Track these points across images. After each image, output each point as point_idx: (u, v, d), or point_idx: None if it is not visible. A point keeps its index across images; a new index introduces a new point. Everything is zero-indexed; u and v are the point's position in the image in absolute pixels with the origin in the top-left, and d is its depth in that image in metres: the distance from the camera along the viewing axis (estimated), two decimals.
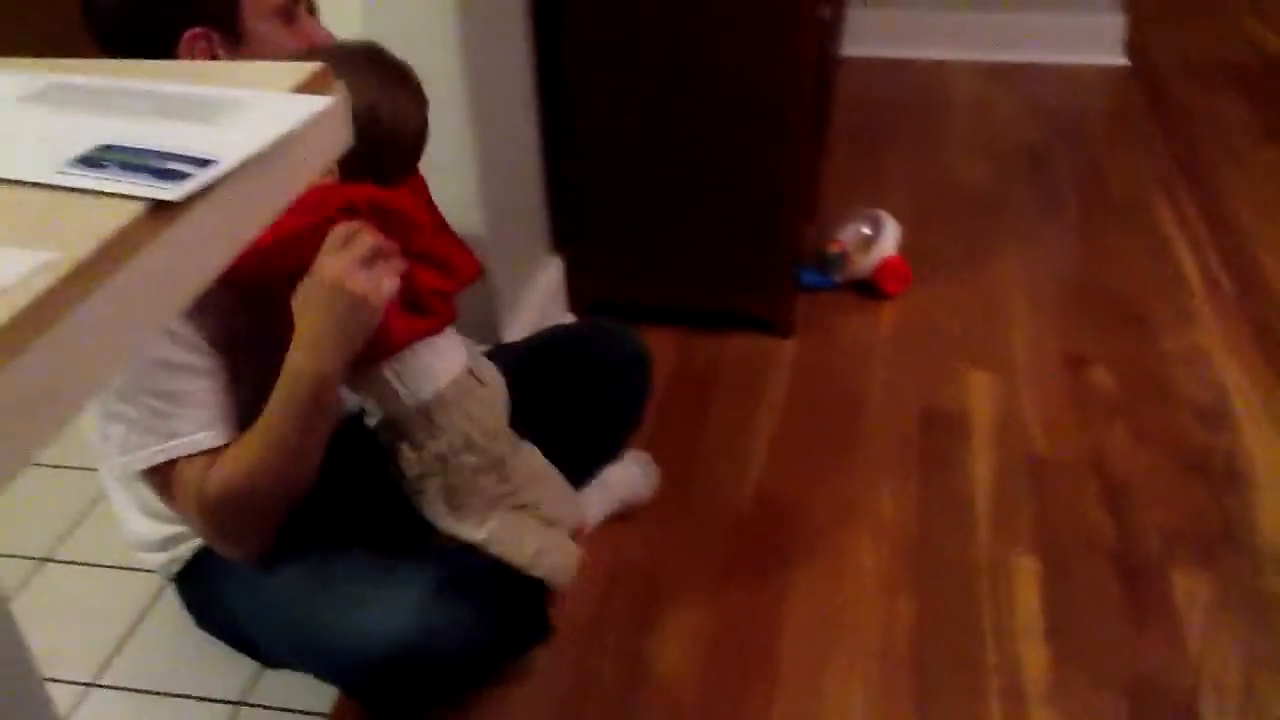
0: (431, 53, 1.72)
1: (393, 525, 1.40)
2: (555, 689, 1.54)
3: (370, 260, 1.20)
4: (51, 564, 1.78)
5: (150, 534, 1.49)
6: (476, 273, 1.40)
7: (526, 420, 1.60)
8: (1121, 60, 3.49)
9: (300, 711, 1.51)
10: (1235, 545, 1.72)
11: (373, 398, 1.33)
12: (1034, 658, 1.55)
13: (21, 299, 0.46)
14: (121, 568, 1.72)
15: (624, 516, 1.79)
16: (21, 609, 1.64)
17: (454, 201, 1.84)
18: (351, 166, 1.19)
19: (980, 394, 2.07)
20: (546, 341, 1.78)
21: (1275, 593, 1.64)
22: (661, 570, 1.72)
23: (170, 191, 0.53)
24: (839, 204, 2.59)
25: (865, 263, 2.36)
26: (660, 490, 1.82)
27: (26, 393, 0.45)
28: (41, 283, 0.47)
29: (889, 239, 2.37)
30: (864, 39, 3.50)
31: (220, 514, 1.31)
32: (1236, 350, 2.17)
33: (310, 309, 1.22)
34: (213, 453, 1.29)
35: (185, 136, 0.59)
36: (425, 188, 1.41)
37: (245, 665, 1.56)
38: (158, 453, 1.28)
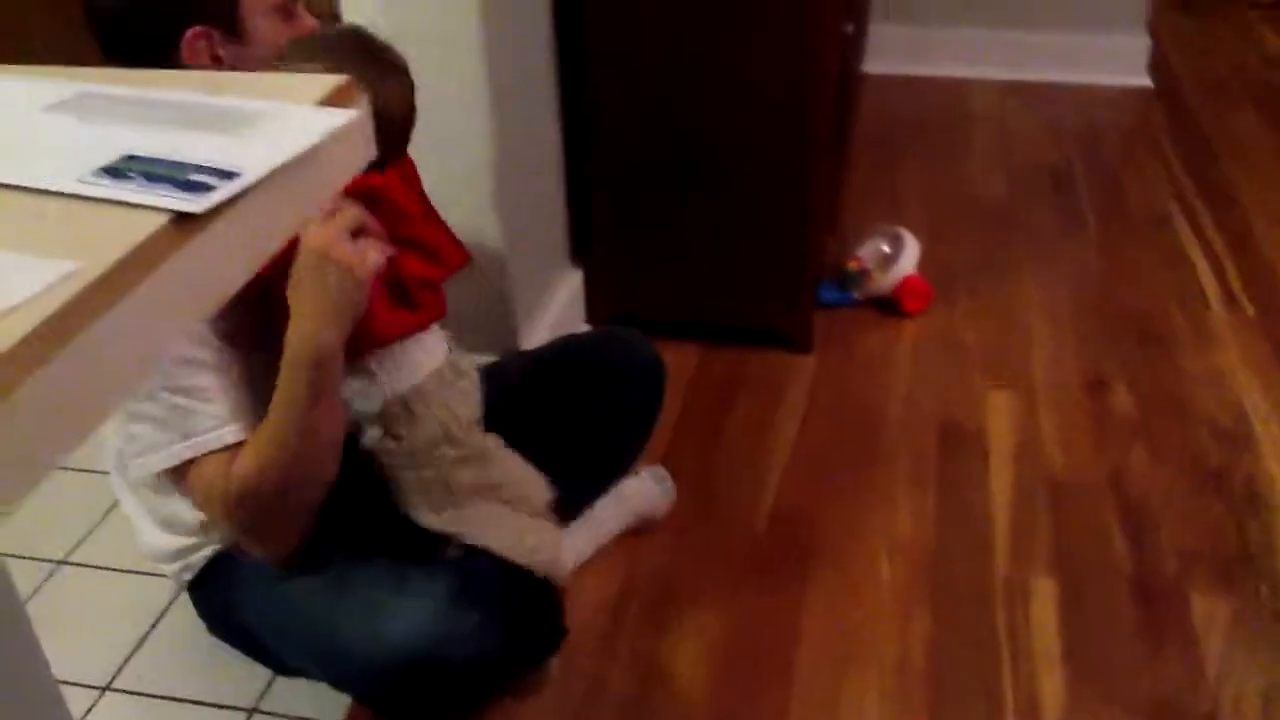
0: (454, 57, 1.73)
1: (406, 535, 1.40)
2: (569, 699, 1.54)
3: (356, 233, 1.21)
4: (68, 567, 1.78)
5: (164, 545, 1.50)
6: (464, 260, 1.41)
7: (539, 427, 1.60)
8: (1145, 81, 3.47)
9: None
10: (1254, 567, 1.71)
11: (355, 387, 1.34)
12: (1050, 678, 1.54)
13: (44, 310, 0.46)
14: (137, 572, 1.73)
15: (640, 530, 1.78)
16: (37, 611, 1.65)
17: (474, 208, 1.85)
18: None
19: (999, 412, 2.06)
20: (560, 349, 1.78)
21: None
22: (677, 582, 1.72)
23: (194, 204, 0.54)
24: (859, 219, 2.59)
25: (885, 280, 2.35)
26: (677, 503, 1.82)
27: (49, 404, 0.45)
28: (64, 294, 0.47)
29: (909, 257, 2.36)
30: (887, 55, 3.49)
31: (245, 509, 1.29)
32: (1257, 370, 2.15)
33: (301, 284, 1.21)
34: (234, 449, 1.28)
35: (209, 148, 0.59)
36: (415, 172, 1.41)
37: (258, 673, 1.56)
38: (184, 449, 1.28)
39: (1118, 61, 3.46)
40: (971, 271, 2.51)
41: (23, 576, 1.74)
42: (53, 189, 0.56)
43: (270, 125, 0.63)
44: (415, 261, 1.32)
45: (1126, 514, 1.82)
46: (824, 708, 1.51)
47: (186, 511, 1.44)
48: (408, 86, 1.31)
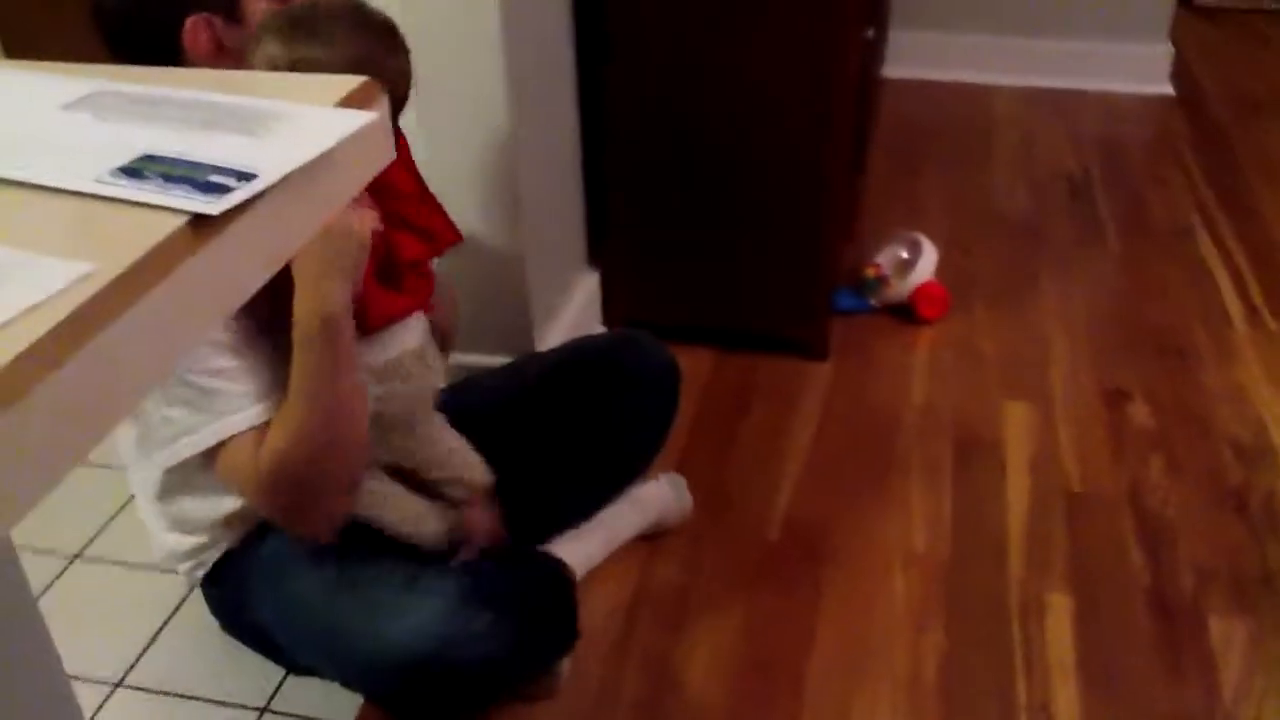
0: (474, 55, 1.72)
1: None
2: (580, 704, 1.53)
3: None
4: (81, 562, 1.79)
5: (177, 546, 1.50)
6: (455, 239, 1.41)
7: (554, 428, 1.60)
8: (1167, 90, 3.45)
9: None
10: (1273, 587, 1.69)
11: None
12: (1065, 694, 1.53)
13: (60, 311, 0.45)
14: (151, 568, 1.73)
15: (654, 536, 1.78)
16: (50, 606, 1.65)
17: (492, 209, 1.85)
18: None
19: (1016, 424, 2.05)
20: (575, 351, 1.78)
21: None
22: (690, 589, 1.71)
23: (211, 205, 0.53)
24: (877, 225, 2.58)
25: (902, 287, 2.34)
26: (691, 511, 1.81)
27: (65, 405, 0.45)
28: (80, 295, 0.46)
29: (927, 264, 2.35)
30: (906, 60, 3.48)
31: (278, 488, 1.29)
32: (1278, 386, 2.13)
33: (303, 252, 1.21)
34: (261, 429, 1.28)
35: (228, 149, 0.59)
36: (407, 149, 1.40)
37: (270, 671, 1.56)
38: (219, 429, 1.28)
39: (1140, 70, 3.44)
40: (990, 280, 2.49)
41: (36, 571, 1.74)
42: (70, 188, 0.55)
43: (289, 126, 0.62)
44: (410, 241, 1.32)
45: (1144, 529, 1.80)
46: (836, 717, 1.50)
47: (195, 511, 1.44)
48: (405, 55, 1.29)
